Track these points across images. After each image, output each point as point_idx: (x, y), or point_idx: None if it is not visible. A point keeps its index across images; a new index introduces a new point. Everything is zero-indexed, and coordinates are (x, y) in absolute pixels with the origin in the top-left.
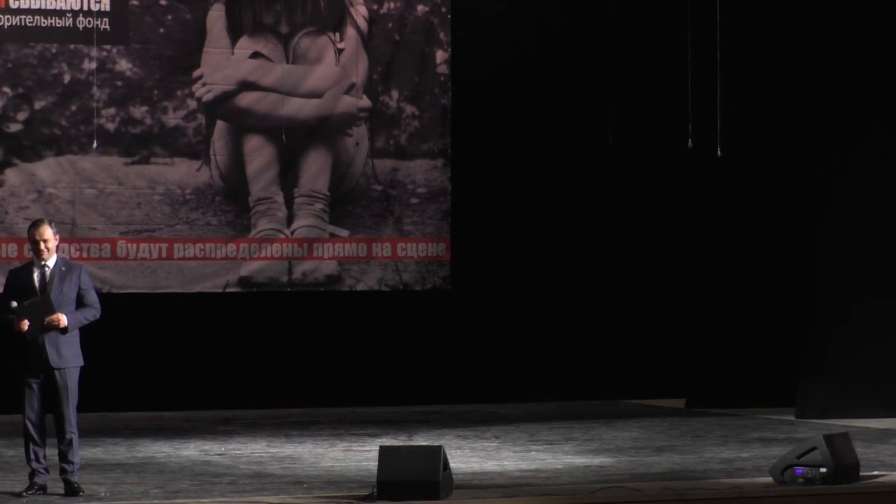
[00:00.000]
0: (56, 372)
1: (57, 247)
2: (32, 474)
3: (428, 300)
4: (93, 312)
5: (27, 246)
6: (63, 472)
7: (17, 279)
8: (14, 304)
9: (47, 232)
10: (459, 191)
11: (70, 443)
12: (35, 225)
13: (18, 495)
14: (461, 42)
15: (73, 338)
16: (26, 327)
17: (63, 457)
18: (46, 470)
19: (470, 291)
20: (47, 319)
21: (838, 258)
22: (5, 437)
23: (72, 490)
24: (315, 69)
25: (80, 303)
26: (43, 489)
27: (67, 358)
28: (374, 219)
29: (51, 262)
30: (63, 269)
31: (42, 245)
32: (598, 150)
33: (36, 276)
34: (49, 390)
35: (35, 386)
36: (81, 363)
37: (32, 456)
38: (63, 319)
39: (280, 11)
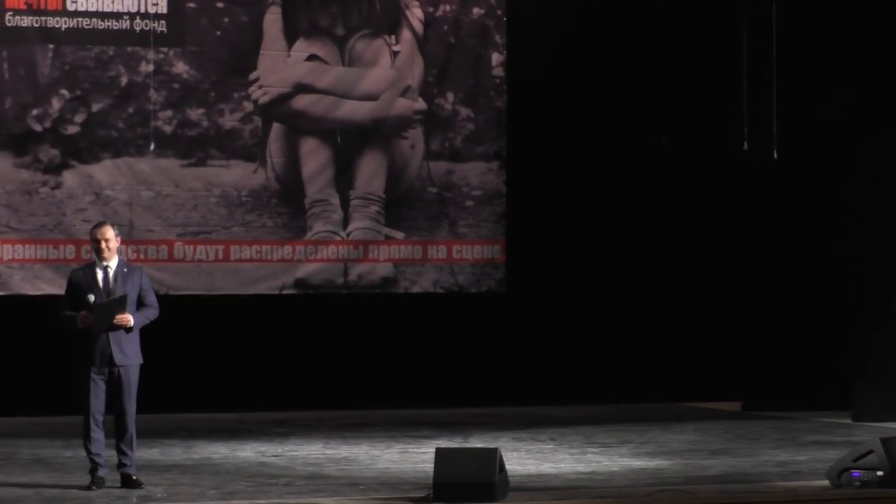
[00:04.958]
0: (120, 369)
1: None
2: (95, 469)
3: (483, 302)
4: (154, 312)
5: (85, 248)
6: (122, 465)
7: (80, 280)
8: (92, 297)
9: (109, 232)
10: (514, 193)
11: (130, 438)
12: (97, 226)
13: (87, 488)
14: (516, 44)
15: (135, 336)
16: (92, 321)
17: (122, 451)
18: (105, 463)
19: (525, 294)
20: (117, 318)
21: (888, 259)
22: (63, 437)
23: (132, 483)
24: (370, 71)
25: (141, 303)
26: (104, 482)
27: (130, 355)
28: (429, 221)
29: (112, 262)
30: (125, 270)
31: (104, 245)
32: (652, 153)
33: (100, 276)
34: (111, 387)
35: (99, 381)
36: (141, 361)
37: (94, 449)
38: (130, 319)
39: (336, 14)
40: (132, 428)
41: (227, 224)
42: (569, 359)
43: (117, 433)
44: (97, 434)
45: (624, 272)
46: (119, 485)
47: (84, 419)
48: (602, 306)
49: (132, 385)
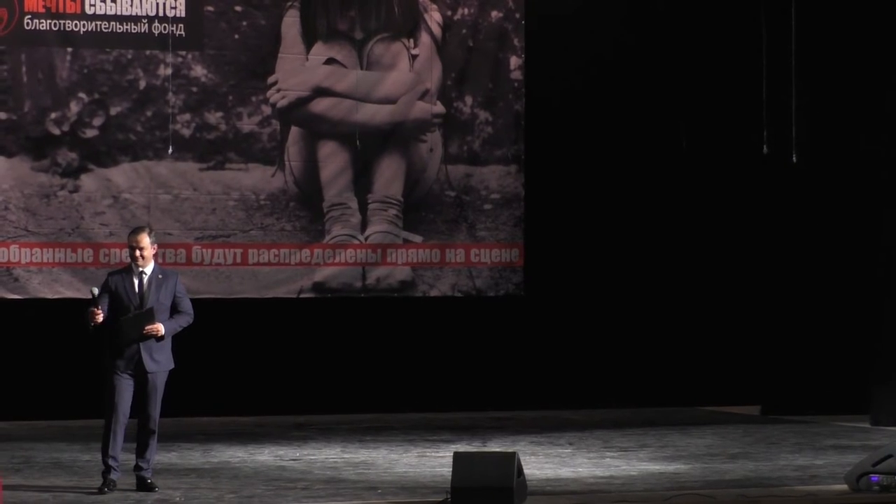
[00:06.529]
0: (149, 375)
1: (154, 255)
2: (108, 471)
3: (501, 306)
4: (187, 319)
5: (103, 251)
6: (139, 468)
7: (116, 284)
8: (96, 290)
9: (144, 240)
10: (533, 197)
11: (152, 440)
12: (133, 232)
13: (99, 491)
14: (535, 48)
15: (167, 344)
16: (100, 318)
17: (141, 454)
18: (119, 467)
19: (543, 297)
20: (147, 329)
21: None
22: (80, 441)
23: (146, 486)
24: (389, 75)
25: (175, 309)
26: (115, 485)
27: (161, 362)
28: (448, 225)
29: (148, 269)
30: (160, 276)
31: (138, 252)
32: (671, 156)
33: (135, 282)
34: (137, 392)
35: (126, 385)
36: (172, 366)
37: (112, 451)
38: (161, 329)
39: (354, 17)
40: (154, 431)
41: (245, 227)
42: (587, 362)
43: (139, 437)
44: (119, 437)
45: (642, 276)
46: (135, 488)
47: (106, 422)
48: (620, 310)
49: (158, 390)
